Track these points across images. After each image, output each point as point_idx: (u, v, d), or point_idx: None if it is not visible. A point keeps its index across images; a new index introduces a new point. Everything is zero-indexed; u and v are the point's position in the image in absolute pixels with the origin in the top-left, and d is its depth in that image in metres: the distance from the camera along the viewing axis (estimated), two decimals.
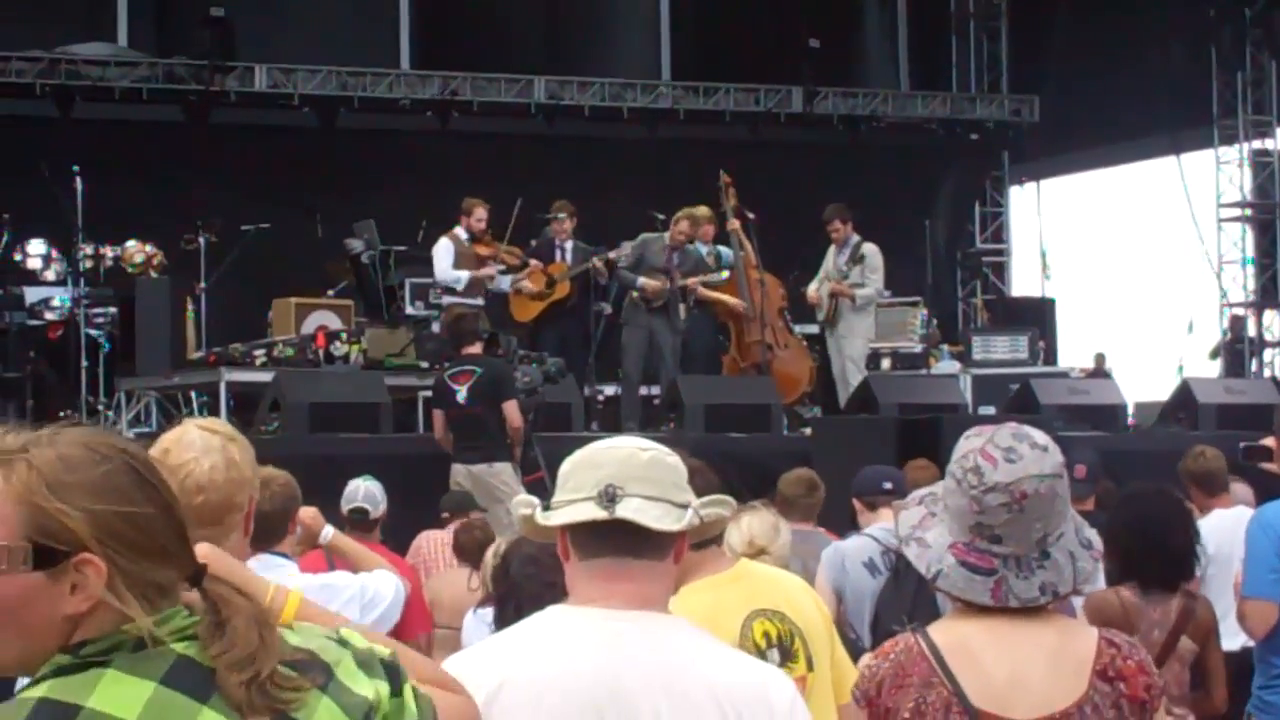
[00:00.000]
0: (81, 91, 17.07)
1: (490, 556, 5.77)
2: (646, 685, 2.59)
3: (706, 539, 3.40)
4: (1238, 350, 18.36)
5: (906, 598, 5.87)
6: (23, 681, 1.90)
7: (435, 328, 13.14)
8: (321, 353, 12.85)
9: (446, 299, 13.16)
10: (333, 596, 3.83)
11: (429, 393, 11.33)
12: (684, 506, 2.67)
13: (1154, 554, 5.19)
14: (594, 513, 2.61)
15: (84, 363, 12.62)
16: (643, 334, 13.21)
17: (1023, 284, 20.97)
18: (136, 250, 13.54)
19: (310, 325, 13.40)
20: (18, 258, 13.37)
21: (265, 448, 3.84)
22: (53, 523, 1.82)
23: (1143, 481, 5.84)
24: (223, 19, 17.10)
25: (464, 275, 13.15)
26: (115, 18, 17.89)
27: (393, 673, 2.03)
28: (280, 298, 13.92)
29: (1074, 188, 21.47)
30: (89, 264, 13.17)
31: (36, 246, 13.43)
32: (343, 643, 2.00)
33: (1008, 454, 2.82)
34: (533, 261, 13.73)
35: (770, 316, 13.89)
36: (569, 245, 13.78)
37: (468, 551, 7.65)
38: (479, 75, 18.53)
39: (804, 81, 19.06)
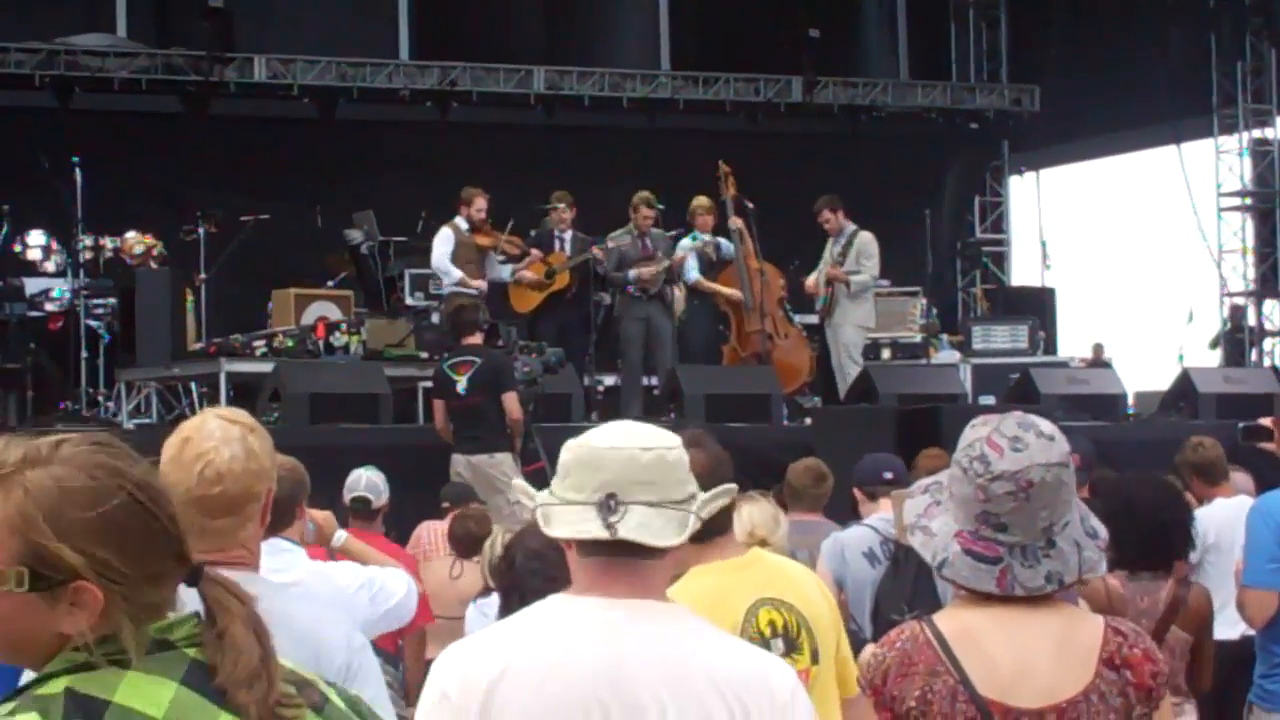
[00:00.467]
0: (81, 82, 17.03)
1: (489, 548, 5.78)
2: (647, 673, 2.58)
3: (714, 530, 3.42)
4: (1238, 340, 18.36)
5: (905, 586, 5.87)
6: (28, 674, 1.90)
7: (435, 318, 13.14)
8: (321, 343, 12.87)
9: (448, 287, 13.16)
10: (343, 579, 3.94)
11: (429, 383, 11.33)
12: (687, 501, 2.65)
13: (1142, 533, 5.10)
14: (596, 531, 2.61)
15: (84, 354, 12.60)
16: (640, 325, 13.24)
17: (1022, 274, 20.91)
18: (136, 241, 13.52)
19: (310, 316, 13.41)
20: (17, 249, 13.36)
21: None
22: (50, 555, 1.83)
23: (1136, 471, 5.83)
24: (222, 10, 17.11)
25: (457, 274, 13.14)
26: (114, 9, 17.84)
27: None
28: (280, 288, 13.91)
29: (1074, 177, 21.43)
30: (89, 255, 13.16)
31: (36, 238, 13.43)
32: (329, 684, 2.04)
33: (1014, 443, 2.82)
34: (533, 251, 13.73)
35: (770, 306, 13.87)
36: (568, 235, 13.76)
37: (461, 541, 7.66)
38: (478, 65, 18.50)
39: (804, 71, 19.01)
